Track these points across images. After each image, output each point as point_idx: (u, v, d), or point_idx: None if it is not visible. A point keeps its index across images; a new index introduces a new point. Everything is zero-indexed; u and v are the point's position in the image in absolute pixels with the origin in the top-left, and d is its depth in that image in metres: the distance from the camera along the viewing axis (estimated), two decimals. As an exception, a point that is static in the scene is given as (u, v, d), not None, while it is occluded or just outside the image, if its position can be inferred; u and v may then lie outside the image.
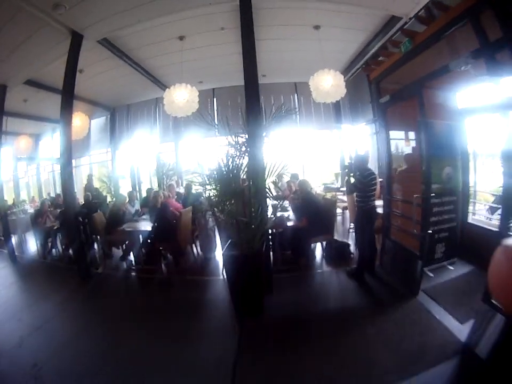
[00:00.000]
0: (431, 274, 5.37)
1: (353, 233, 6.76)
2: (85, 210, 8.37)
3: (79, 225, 7.56)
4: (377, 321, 4.43)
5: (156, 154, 13.21)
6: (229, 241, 5.04)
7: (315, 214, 6.22)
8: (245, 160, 4.99)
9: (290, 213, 6.88)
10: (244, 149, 4.93)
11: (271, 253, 5.95)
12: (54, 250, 9.12)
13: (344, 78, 10.86)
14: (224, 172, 4.79)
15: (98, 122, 14.53)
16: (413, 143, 5.61)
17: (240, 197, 4.83)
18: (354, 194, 5.61)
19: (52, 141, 15.85)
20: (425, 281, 5.09)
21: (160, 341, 4.32)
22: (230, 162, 4.84)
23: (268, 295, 5.15)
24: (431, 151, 4.89)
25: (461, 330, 3.92)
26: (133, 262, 7.43)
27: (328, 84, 6.90)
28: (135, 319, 4.99)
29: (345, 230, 8.95)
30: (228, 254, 4.85)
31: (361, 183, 5.39)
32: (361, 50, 9.24)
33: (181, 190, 10.83)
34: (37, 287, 6.68)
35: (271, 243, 6.14)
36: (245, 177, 5.12)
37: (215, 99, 12.78)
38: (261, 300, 4.85)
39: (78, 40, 6.73)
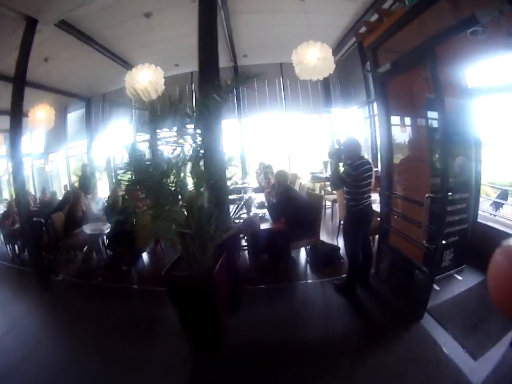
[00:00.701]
0: (437, 288, 4.14)
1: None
2: (48, 211, 7.72)
3: (37, 228, 6.98)
4: (369, 355, 3.32)
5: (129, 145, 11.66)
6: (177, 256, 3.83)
7: (296, 214, 4.93)
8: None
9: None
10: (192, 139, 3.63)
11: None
12: (22, 254, 8.20)
13: (335, 57, 9.70)
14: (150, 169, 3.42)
15: (77, 114, 13.34)
16: (417, 127, 4.30)
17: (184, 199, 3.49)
18: (345, 190, 4.33)
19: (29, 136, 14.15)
20: (430, 296, 3.88)
21: (101, 366, 3.49)
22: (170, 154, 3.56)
23: (234, 313, 4.13)
24: (445, 136, 3.53)
25: (474, 369, 2.94)
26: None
27: (314, 57, 5.58)
28: (81, 338, 4.11)
29: (334, 228, 7.35)
30: (170, 274, 3.60)
31: (350, 176, 4.06)
32: (353, 25, 7.98)
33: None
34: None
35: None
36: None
37: (193, 84, 11.33)
38: (218, 330, 3.66)
39: (32, 25, 6.01)
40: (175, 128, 3.61)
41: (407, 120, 4.50)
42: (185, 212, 3.43)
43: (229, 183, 9.41)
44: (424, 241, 3.65)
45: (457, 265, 4.56)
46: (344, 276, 4.68)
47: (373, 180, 4.37)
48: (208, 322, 3.57)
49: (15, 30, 6.10)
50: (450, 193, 3.63)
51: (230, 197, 7.11)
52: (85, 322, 4.47)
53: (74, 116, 13.40)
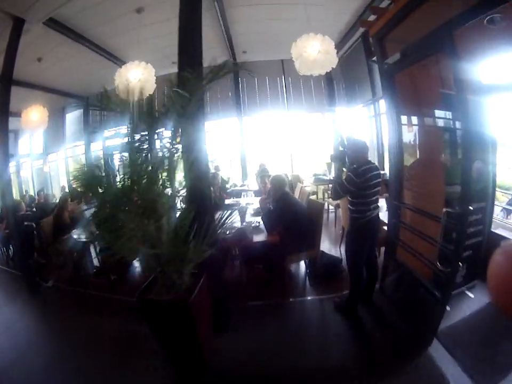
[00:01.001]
0: (447, 308, 3.46)
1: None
2: (41, 214, 7.59)
3: (28, 232, 6.84)
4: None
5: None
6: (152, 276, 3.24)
7: (293, 224, 4.32)
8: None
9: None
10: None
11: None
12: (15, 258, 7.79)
13: (338, 52, 9.19)
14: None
15: (75, 114, 13.00)
16: (430, 126, 3.77)
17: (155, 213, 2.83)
18: (349, 199, 3.74)
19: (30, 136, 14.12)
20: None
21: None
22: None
23: (222, 334, 3.62)
24: (466, 138, 2.98)
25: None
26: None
27: (315, 50, 5.09)
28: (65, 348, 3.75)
29: (337, 235, 6.60)
30: (144, 297, 3.05)
31: (354, 184, 3.44)
32: (357, 18, 7.50)
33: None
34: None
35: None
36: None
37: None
38: (201, 355, 3.16)
39: (19, 24, 5.88)
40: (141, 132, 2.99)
41: (418, 119, 3.94)
42: (158, 229, 2.81)
43: (228, 185, 9.21)
44: (438, 263, 3.09)
45: (468, 280, 3.98)
46: (345, 292, 4.10)
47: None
48: (188, 348, 3.10)
49: (3, 31, 5.89)
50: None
51: (229, 201, 6.68)
52: (70, 332, 4.12)
53: (72, 116, 13.05)
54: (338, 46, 8.78)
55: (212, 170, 9.17)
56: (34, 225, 7.01)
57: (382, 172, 5.48)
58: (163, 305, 2.96)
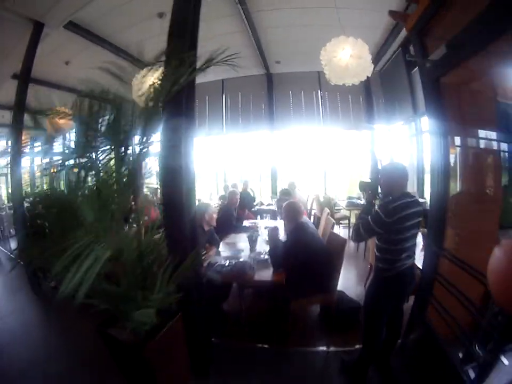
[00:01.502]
0: (472, 374, 2.40)
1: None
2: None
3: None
4: None
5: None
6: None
7: (305, 263, 3.39)
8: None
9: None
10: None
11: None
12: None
13: (376, 65, 8.25)
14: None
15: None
16: (485, 149, 2.86)
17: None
18: (375, 242, 2.80)
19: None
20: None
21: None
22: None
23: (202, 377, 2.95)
24: None
25: None
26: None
27: (346, 55, 4.30)
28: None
29: (365, 271, 5.03)
30: (104, 329, 2.43)
31: (382, 225, 2.51)
32: (395, 25, 6.52)
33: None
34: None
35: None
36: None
37: (224, 93, 10.27)
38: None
39: (39, 28, 5.74)
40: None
41: (468, 138, 3.00)
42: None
43: (255, 203, 8.43)
44: (473, 342, 2.17)
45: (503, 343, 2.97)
46: (358, 347, 3.19)
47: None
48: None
49: (24, 35, 5.76)
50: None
51: (246, 222, 5.90)
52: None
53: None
54: (376, 58, 8.01)
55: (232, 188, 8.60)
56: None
57: (421, 200, 4.59)
58: (119, 344, 2.35)
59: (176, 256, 2.38)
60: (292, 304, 3.40)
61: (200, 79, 9.01)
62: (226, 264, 3.56)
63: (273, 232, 3.77)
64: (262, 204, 8.83)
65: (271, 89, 9.74)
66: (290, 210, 3.76)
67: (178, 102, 2.66)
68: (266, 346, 3.47)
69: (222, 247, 4.43)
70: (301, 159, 11.39)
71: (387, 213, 2.46)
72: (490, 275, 1.27)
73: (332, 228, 4.88)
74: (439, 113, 2.84)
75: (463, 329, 2.44)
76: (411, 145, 8.56)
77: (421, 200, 5.06)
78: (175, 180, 2.60)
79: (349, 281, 4.90)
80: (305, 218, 3.98)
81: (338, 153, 10.51)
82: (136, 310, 2.17)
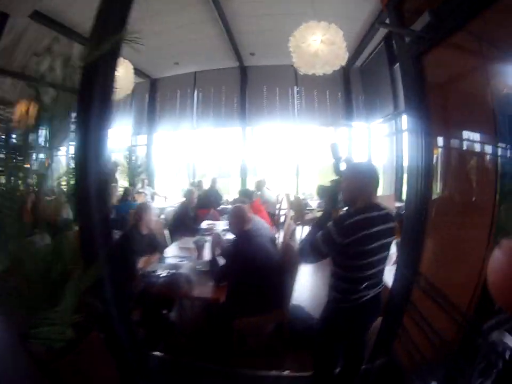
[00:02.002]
0: None
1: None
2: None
3: None
4: None
5: (128, 148, 10.64)
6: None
7: (249, 276, 2.82)
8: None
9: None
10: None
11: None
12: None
13: (356, 61, 7.71)
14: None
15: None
16: (477, 152, 2.25)
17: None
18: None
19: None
20: None
21: None
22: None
23: None
24: None
25: None
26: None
27: (316, 40, 3.72)
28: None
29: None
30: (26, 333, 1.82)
31: (333, 246, 1.88)
32: (378, 16, 5.82)
33: (146, 190, 8.70)
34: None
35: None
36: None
37: (195, 86, 9.65)
38: None
39: (3, 19, 5.47)
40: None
41: (457, 138, 2.39)
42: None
43: (223, 201, 7.83)
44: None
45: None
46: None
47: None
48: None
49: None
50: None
51: (205, 224, 5.28)
52: None
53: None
54: (356, 52, 7.49)
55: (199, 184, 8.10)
56: None
57: (398, 204, 4.08)
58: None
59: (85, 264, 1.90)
60: (236, 322, 2.81)
61: (171, 71, 8.46)
62: (163, 275, 2.98)
63: (214, 240, 3.20)
64: (229, 202, 8.17)
65: (245, 83, 9.14)
66: (233, 217, 3.16)
67: (90, 90, 2.04)
68: (208, 364, 2.88)
69: (170, 253, 3.84)
70: (274, 157, 10.82)
71: (341, 231, 1.83)
72: (490, 275, 1.13)
73: (292, 233, 4.28)
74: (419, 100, 2.26)
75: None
76: (390, 144, 8.04)
77: (398, 204, 4.54)
78: (83, 173, 2.00)
79: (314, 291, 4.26)
80: (255, 223, 3.37)
81: (313, 151, 9.92)
82: (43, 326, 1.75)
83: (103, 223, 2.12)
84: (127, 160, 10.37)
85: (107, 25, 2.01)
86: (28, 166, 2.06)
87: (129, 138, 10.82)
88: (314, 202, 7.84)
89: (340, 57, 3.91)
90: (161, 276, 2.95)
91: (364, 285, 1.93)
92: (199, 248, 3.47)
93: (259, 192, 7.06)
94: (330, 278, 2.08)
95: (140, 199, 8.42)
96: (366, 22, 6.27)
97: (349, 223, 1.82)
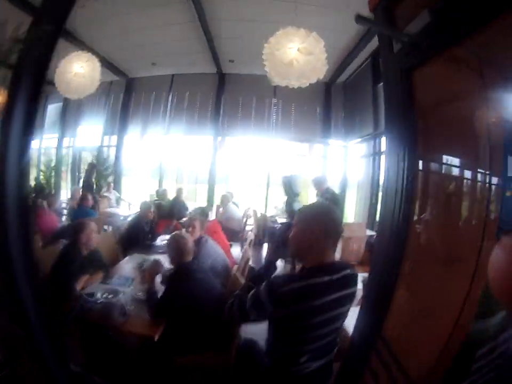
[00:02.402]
0: None
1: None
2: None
3: None
4: None
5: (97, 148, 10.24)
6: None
7: (188, 313, 2.45)
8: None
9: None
10: None
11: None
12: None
13: (339, 77, 7.41)
14: None
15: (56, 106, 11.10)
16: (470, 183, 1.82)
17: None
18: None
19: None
20: None
21: None
22: None
23: None
24: None
25: None
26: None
27: (292, 48, 3.33)
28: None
29: None
30: None
31: (266, 314, 1.50)
32: (367, 31, 5.69)
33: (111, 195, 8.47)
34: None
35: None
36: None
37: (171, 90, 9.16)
38: None
39: None
40: None
41: (443, 168, 1.96)
42: None
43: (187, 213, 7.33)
44: None
45: None
46: None
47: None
48: None
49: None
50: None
51: (164, 238, 4.81)
52: None
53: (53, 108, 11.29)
54: (339, 68, 7.19)
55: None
56: None
57: (369, 233, 3.74)
58: None
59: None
60: (176, 359, 2.40)
61: (148, 72, 8.06)
62: (98, 301, 2.58)
63: (153, 267, 2.75)
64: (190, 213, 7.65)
65: (222, 91, 8.72)
66: (171, 248, 2.73)
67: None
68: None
69: (118, 270, 3.44)
70: (245, 168, 10.38)
71: (275, 299, 1.40)
72: (490, 272, 1.02)
73: (247, 261, 3.84)
74: (404, 125, 1.83)
75: None
76: (367, 165, 7.68)
77: (370, 233, 4.16)
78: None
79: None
80: (203, 250, 3.29)
81: (286, 166, 9.49)
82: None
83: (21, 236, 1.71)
84: (95, 161, 9.85)
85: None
86: None
87: (99, 138, 10.27)
88: (283, 220, 7.48)
89: (317, 70, 3.51)
90: (95, 301, 2.58)
91: (304, 358, 1.49)
92: (141, 272, 3.00)
93: (221, 209, 6.71)
94: (266, 337, 1.64)
95: (102, 204, 7.92)
96: (353, 36, 6.00)
97: (287, 291, 1.39)
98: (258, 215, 7.15)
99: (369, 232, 4.20)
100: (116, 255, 4.09)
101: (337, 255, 4.17)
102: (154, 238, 4.88)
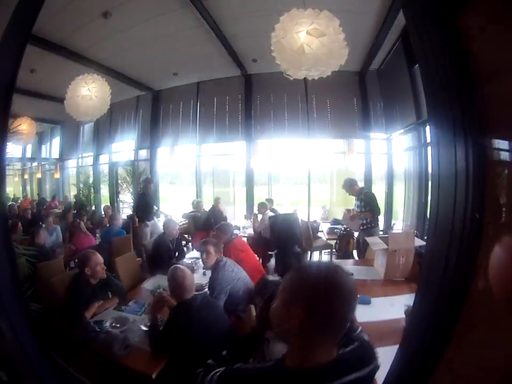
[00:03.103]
0: None
1: None
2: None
3: None
4: None
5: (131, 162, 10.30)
6: None
7: (190, 350, 2.19)
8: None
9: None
10: None
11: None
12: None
13: (371, 64, 6.95)
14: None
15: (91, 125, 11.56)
16: None
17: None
18: None
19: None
20: None
21: None
22: None
23: None
24: None
25: None
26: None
27: (302, 32, 2.72)
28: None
29: None
30: None
31: None
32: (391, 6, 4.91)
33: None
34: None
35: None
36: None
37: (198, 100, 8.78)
38: None
39: None
40: None
41: None
42: None
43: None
44: None
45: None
46: None
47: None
48: None
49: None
50: None
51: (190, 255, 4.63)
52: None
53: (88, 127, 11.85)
54: (371, 53, 6.43)
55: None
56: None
57: (419, 243, 3.16)
58: None
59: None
60: None
61: (172, 83, 7.65)
62: (104, 330, 2.50)
63: (156, 302, 2.54)
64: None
65: (249, 93, 8.14)
66: (169, 283, 2.49)
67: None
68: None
69: (136, 295, 3.33)
70: (284, 170, 9.79)
71: None
72: (491, 270, 0.97)
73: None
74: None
75: None
76: (411, 161, 6.80)
77: (419, 242, 3.44)
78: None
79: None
80: (225, 271, 3.13)
81: (327, 166, 8.77)
82: None
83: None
84: (130, 175, 9.88)
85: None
86: None
87: (132, 153, 10.35)
88: (326, 225, 6.80)
89: (335, 53, 2.87)
90: (101, 331, 2.49)
91: None
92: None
93: (259, 217, 6.19)
94: None
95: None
96: (379, 15, 5.21)
97: None
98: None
99: (419, 242, 3.46)
100: (139, 276, 3.94)
101: (381, 273, 3.53)
102: (182, 255, 4.75)
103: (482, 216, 1.15)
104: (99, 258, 3.06)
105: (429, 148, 5.68)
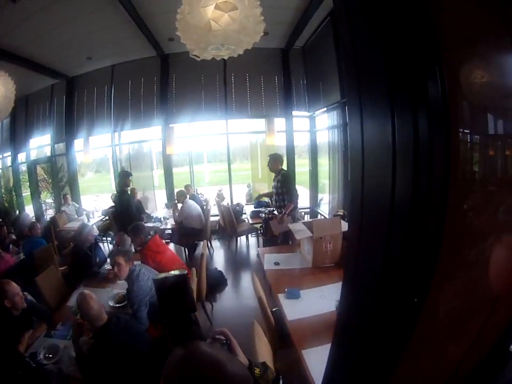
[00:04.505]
0: None
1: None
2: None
3: None
4: None
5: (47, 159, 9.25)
6: None
7: (117, 372, 2.13)
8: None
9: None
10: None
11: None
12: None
13: (296, 40, 6.83)
14: None
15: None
16: None
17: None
18: None
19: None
20: None
21: None
22: None
23: None
24: None
25: None
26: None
27: (209, 6, 2.35)
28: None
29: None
30: None
31: None
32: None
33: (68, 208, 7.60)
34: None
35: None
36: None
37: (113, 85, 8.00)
38: None
39: None
40: None
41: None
42: None
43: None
44: None
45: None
46: None
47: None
48: None
49: None
50: None
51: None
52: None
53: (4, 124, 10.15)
54: (296, 30, 6.19)
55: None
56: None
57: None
58: None
59: None
60: None
61: (86, 68, 6.77)
62: (41, 364, 2.37)
63: (75, 327, 2.42)
64: (150, 217, 6.57)
65: (166, 74, 7.51)
66: (80, 310, 2.34)
67: None
68: None
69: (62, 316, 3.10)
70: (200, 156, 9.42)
71: None
72: (492, 269, 0.96)
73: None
74: None
75: None
76: (332, 139, 6.68)
77: (347, 227, 3.31)
78: None
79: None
80: (140, 280, 2.99)
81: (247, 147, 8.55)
82: None
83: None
84: (48, 173, 9.10)
85: None
86: None
87: (48, 148, 9.21)
88: (250, 208, 6.68)
89: (249, 30, 2.54)
90: (37, 366, 2.32)
91: None
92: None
93: (180, 204, 5.91)
94: None
95: (60, 221, 6.89)
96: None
97: None
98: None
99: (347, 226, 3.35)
100: (64, 291, 3.63)
101: (309, 260, 3.42)
102: (103, 260, 4.29)
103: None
104: (15, 287, 2.76)
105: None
